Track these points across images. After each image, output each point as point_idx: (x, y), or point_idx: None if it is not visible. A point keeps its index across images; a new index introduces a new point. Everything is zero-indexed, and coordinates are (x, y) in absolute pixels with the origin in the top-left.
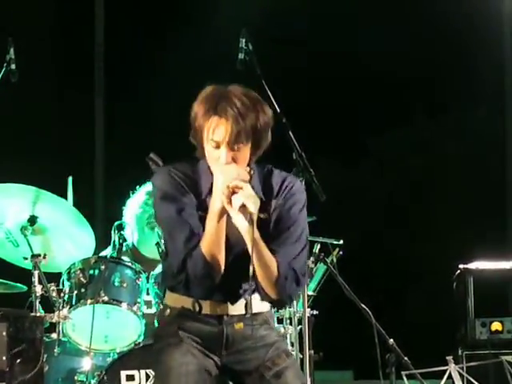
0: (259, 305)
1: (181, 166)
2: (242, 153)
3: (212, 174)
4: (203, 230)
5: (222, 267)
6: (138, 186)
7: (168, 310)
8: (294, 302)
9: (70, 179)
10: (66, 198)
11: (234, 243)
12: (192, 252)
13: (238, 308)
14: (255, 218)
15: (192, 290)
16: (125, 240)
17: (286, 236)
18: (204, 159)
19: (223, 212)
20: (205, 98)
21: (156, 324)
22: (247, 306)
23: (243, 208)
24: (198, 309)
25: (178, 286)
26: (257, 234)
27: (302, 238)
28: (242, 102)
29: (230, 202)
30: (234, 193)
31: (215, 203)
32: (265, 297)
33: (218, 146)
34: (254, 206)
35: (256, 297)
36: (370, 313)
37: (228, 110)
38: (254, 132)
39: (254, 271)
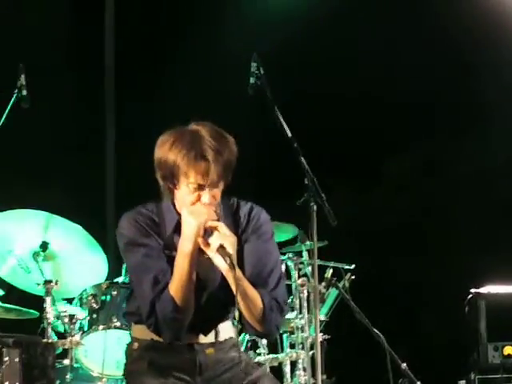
0: (228, 330)
1: (144, 209)
2: (218, 189)
3: (177, 212)
4: (171, 271)
5: (192, 310)
6: None
7: (136, 344)
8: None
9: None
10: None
11: (203, 279)
12: (160, 295)
13: (208, 337)
14: (235, 258)
15: (163, 334)
16: None
17: (261, 267)
18: (165, 199)
19: (193, 254)
20: (179, 144)
21: (125, 359)
22: (216, 333)
23: (221, 249)
24: (168, 340)
25: (149, 328)
26: (239, 273)
27: (276, 269)
28: (215, 140)
29: (206, 243)
30: (205, 232)
31: (185, 246)
32: (252, 331)
33: (199, 188)
34: (231, 247)
35: (225, 324)
36: (382, 337)
37: (209, 153)
38: (228, 168)
39: (239, 311)
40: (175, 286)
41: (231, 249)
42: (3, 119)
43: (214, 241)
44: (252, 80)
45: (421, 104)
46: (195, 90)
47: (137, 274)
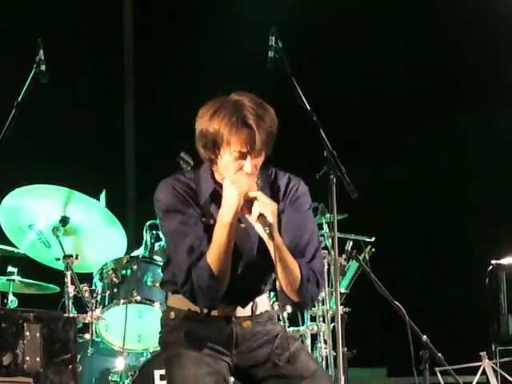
0: (264, 303)
1: (182, 176)
2: (260, 159)
3: (214, 181)
4: (208, 239)
5: (228, 279)
6: None
7: (173, 313)
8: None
9: (104, 194)
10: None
11: (240, 250)
12: (197, 263)
13: (245, 310)
14: (275, 227)
15: (198, 301)
16: (157, 240)
17: (299, 238)
18: (204, 167)
19: (233, 223)
20: (222, 112)
21: (160, 328)
22: (254, 306)
23: (261, 218)
24: (205, 312)
25: (184, 295)
26: (280, 241)
27: (314, 240)
28: (257, 109)
29: (247, 213)
30: (246, 201)
31: (225, 215)
32: (287, 301)
33: (242, 157)
34: (271, 216)
35: (262, 297)
36: (403, 310)
37: (252, 120)
38: (269, 137)
39: (277, 279)
40: (213, 255)
41: (271, 217)
42: (22, 94)
43: (254, 210)
44: (270, 54)
45: (445, 78)
46: (213, 62)
47: (173, 240)
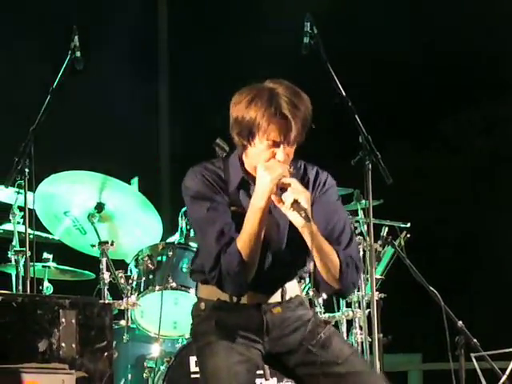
0: (294, 288)
1: (211, 165)
2: (292, 149)
3: (244, 169)
4: (236, 227)
5: (256, 266)
6: None
7: (202, 304)
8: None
9: (136, 180)
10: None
11: (268, 239)
12: (226, 249)
13: (275, 296)
14: (309, 212)
15: (225, 287)
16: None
17: (332, 228)
18: (233, 155)
19: (266, 210)
20: (259, 101)
21: (191, 320)
22: (283, 292)
23: (296, 204)
24: (235, 300)
25: (211, 282)
26: (315, 228)
27: (347, 227)
28: (293, 97)
29: (280, 200)
30: (281, 189)
31: (258, 200)
32: (327, 289)
33: (276, 145)
34: (306, 202)
35: (291, 282)
36: (438, 295)
37: (288, 110)
38: (304, 126)
39: (314, 266)
40: (243, 241)
41: (306, 203)
42: (57, 80)
43: (289, 196)
44: (305, 40)
45: (479, 65)
46: (249, 50)
47: (202, 226)
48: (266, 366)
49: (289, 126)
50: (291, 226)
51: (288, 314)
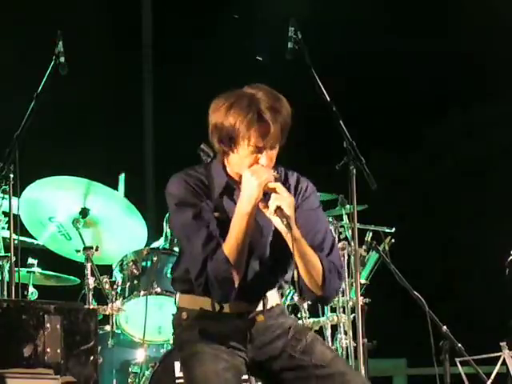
0: (275, 297)
1: (193, 171)
2: (274, 152)
3: (227, 174)
4: (220, 232)
5: (243, 271)
6: None
7: (184, 313)
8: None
9: (123, 176)
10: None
11: (254, 244)
12: (213, 255)
13: (256, 305)
14: (293, 220)
15: (212, 294)
16: None
17: (314, 233)
18: (215, 161)
19: (252, 214)
20: (238, 108)
21: (172, 329)
22: (265, 301)
23: (279, 210)
24: (218, 308)
25: (197, 289)
26: (298, 234)
27: (329, 234)
28: (272, 102)
29: (264, 206)
30: (265, 194)
31: (244, 205)
32: (310, 296)
33: (258, 151)
34: (289, 209)
35: (272, 291)
36: (423, 300)
37: (268, 115)
38: (284, 129)
39: (298, 272)
40: (230, 246)
41: (289, 210)
42: (41, 86)
43: (272, 202)
44: (290, 45)
45: (459, 69)
46: (233, 55)
47: (187, 233)
48: (253, 379)
49: (270, 130)
50: (275, 231)
51: (270, 322)
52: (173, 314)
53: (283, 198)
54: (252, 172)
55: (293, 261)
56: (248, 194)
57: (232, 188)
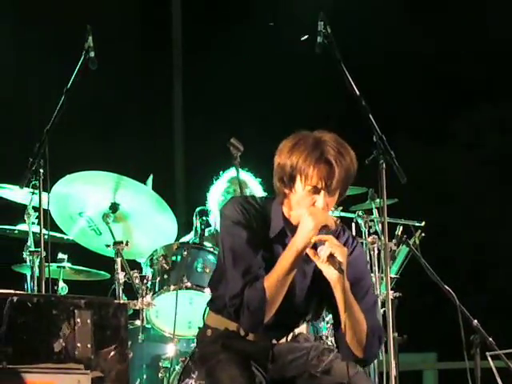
0: (301, 329)
1: (254, 201)
2: (333, 199)
3: (284, 217)
4: (264, 268)
5: (276, 307)
6: (221, 172)
7: (209, 331)
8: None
9: (151, 178)
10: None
11: (293, 285)
12: (253, 283)
13: (282, 338)
14: (345, 266)
15: (241, 320)
16: (207, 225)
17: (357, 291)
18: (276, 201)
19: (302, 252)
20: (302, 146)
21: (195, 344)
22: (288, 336)
23: (331, 258)
24: (243, 333)
25: (229, 309)
26: (347, 284)
27: (371, 292)
28: (338, 148)
29: (315, 254)
30: (315, 244)
31: (298, 242)
32: (350, 356)
33: (315, 192)
34: (342, 255)
35: (300, 327)
36: (453, 294)
37: (332, 157)
38: (347, 177)
39: (343, 329)
40: (272, 279)
41: (342, 257)
42: (72, 80)
43: (326, 249)
44: (319, 39)
45: (492, 62)
46: (261, 51)
47: (236, 254)
48: None
49: (331, 172)
50: (316, 278)
51: (294, 345)
52: (199, 330)
53: (336, 247)
54: (310, 212)
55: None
56: (303, 232)
57: (286, 234)
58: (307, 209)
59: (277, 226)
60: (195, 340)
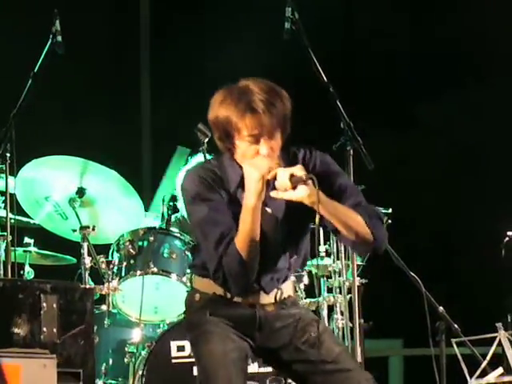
0: (289, 289)
1: (207, 164)
2: (276, 142)
3: (240, 166)
4: (237, 226)
5: (257, 264)
6: (188, 158)
7: (197, 295)
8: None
9: (179, 149)
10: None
11: (267, 235)
12: (227, 250)
13: (269, 297)
14: (307, 177)
15: (230, 287)
16: (174, 211)
17: (338, 193)
18: (225, 155)
19: (257, 207)
20: (229, 99)
21: (184, 308)
22: (278, 293)
23: (292, 178)
24: (229, 296)
25: (216, 282)
26: (322, 195)
27: (357, 189)
28: (265, 93)
29: (277, 192)
30: (269, 184)
31: (249, 199)
32: (363, 247)
33: (256, 141)
34: (298, 170)
35: (287, 283)
36: (419, 281)
37: (258, 104)
38: (282, 120)
39: (341, 235)
40: (241, 240)
41: (300, 171)
42: (39, 64)
43: (282, 178)
44: (287, 25)
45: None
46: (230, 35)
47: (203, 228)
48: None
49: (261, 118)
50: (286, 216)
51: (281, 312)
52: (187, 294)
53: (288, 170)
54: (250, 165)
55: (305, 237)
56: (250, 187)
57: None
58: (246, 162)
59: (234, 178)
60: (184, 304)
